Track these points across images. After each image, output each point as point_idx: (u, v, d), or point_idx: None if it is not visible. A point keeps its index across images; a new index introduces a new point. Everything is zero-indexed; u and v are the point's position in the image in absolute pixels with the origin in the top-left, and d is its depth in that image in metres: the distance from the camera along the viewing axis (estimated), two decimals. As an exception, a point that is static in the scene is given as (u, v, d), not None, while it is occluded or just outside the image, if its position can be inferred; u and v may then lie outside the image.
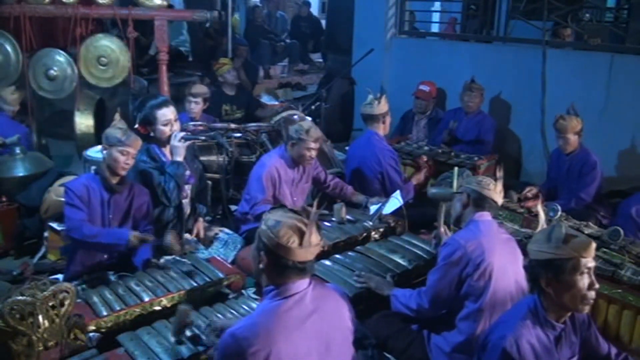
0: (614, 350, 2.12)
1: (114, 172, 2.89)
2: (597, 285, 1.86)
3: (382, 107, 4.01)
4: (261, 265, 1.81)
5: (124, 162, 2.86)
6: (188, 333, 2.25)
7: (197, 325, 2.30)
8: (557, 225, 1.92)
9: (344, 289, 2.44)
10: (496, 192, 2.54)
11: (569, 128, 3.90)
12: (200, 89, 4.74)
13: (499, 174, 2.65)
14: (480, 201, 2.52)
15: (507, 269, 2.41)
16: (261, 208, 3.41)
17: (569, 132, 3.91)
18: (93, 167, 3.54)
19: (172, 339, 2.23)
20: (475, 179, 2.58)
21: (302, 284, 1.81)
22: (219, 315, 2.42)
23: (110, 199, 2.92)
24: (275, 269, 1.78)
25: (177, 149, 3.19)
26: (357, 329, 1.99)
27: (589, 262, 1.86)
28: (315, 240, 1.79)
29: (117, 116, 3.05)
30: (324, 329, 1.83)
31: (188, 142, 3.26)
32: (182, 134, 3.23)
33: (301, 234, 1.76)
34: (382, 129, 4.06)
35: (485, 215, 2.53)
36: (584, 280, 1.84)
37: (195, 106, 4.65)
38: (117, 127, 2.91)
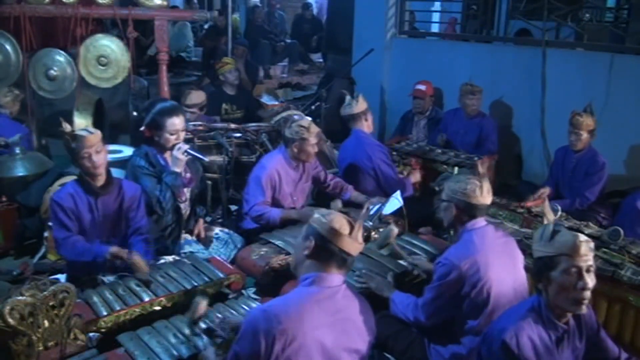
0: (624, 355, 2.09)
1: (92, 175, 2.84)
2: (590, 286, 1.82)
3: (361, 105, 4.03)
4: (306, 252, 1.88)
5: (93, 164, 2.80)
6: (203, 325, 2.26)
7: (211, 320, 2.31)
8: (549, 224, 1.91)
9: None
10: (484, 195, 2.41)
11: (584, 125, 3.92)
12: (196, 99, 4.72)
13: (482, 170, 2.58)
14: (470, 210, 2.42)
15: (504, 279, 2.38)
16: (259, 209, 3.42)
17: (583, 129, 3.93)
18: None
19: (187, 331, 2.25)
20: (460, 187, 2.41)
21: (338, 279, 1.89)
22: (233, 312, 2.42)
23: (97, 202, 2.88)
24: (322, 254, 1.87)
25: (178, 161, 3.14)
26: None
27: (578, 261, 1.81)
28: (361, 239, 1.91)
29: (65, 125, 2.89)
30: (347, 328, 1.88)
31: (189, 157, 3.22)
32: (187, 147, 3.18)
33: (351, 225, 1.89)
34: (366, 127, 4.08)
35: (479, 222, 2.45)
36: (572, 280, 1.81)
37: (191, 115, 4.69)
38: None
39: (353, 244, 1.89)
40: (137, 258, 2.70)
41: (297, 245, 1.99)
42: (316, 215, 1.92)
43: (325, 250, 1.87)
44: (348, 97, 4.08)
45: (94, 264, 2.79)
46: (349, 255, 1.89)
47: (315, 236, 1.87)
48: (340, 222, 1.88)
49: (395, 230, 3.02)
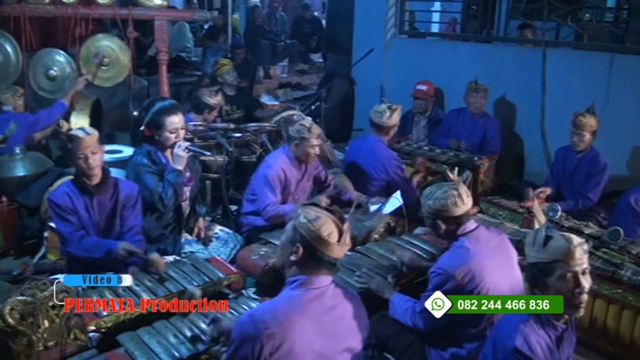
0: None
1: (88, 175, 2.85)
2: (587, 289, 1.80)
3: (394, 119, 4.01)
4: (293, 258, 1.83)
5: (88, 166, 2.81)
6: (188, 333, 2.25)
7: (196, 325, 2.30)
8: (541, 228, 1.89)
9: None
10: (464, 202, 2.39)
11: (587, 126, 3.91)
12: (219, 97, 4.79)
13: (454, 177, 2.56)
14: (455, 219, 2.41)
15: (501, 280, 2.37)
16: (274, 209, 3.42)
17: (586, 130, 3.92)
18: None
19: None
20: (439, 204, 2.39)
21: (326, 280, 1.86)
22: (233, 312, 2.42)
23: (93, 201, 2.89)
24: (310, 262, 1.83)
25: (180, 159, 3.12)
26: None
27: (574, 266, 1.79)
28: (348, 241, 1.86)
29: (63, 123, 2.88)
30: (338, 328, 1.86)
31: (191, 153, 3.21)
32: (187, 144, 3.17)
33: (340, 231, 1.82)
34: (386, 138, 4.08)
35: (469, 225, 2.45)
36: (569, 286, 1.79)
37: (213, 114, 4.75)
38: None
39: (342, 249, 1.84)
40: (155, 256, 2.73)
41: (283, 245, 1.90)
42: (302, 220, 1.81)
43: (314, 258, 1.82)
44: (384, 106, 4.02)
45: (102, 261, 2.78)
46: (337, 260, 1.85)
47: (303, 244, 1.80)
48: (329, 229, 1.80)
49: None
